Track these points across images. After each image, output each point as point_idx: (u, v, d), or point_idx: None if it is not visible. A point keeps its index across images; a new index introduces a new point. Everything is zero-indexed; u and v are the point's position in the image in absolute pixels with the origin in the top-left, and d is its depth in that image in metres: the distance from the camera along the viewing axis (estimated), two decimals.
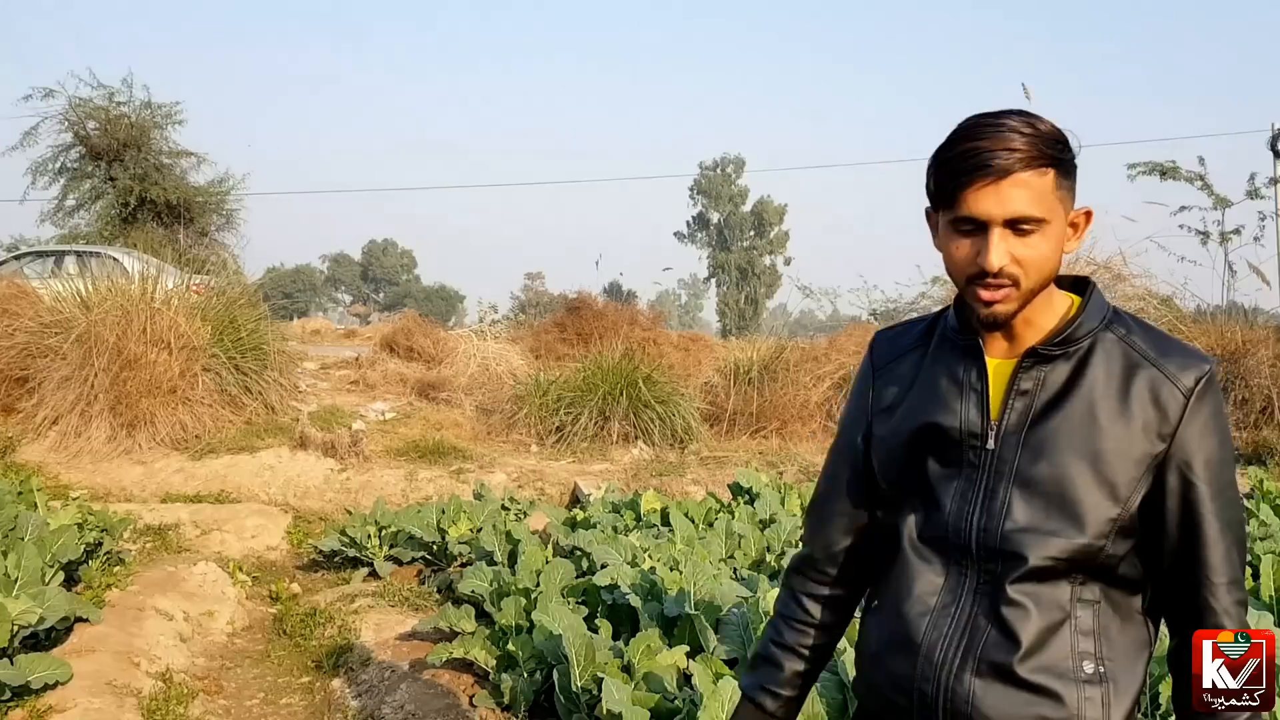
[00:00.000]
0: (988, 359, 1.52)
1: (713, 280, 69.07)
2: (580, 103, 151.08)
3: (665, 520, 6.57)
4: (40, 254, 15.57)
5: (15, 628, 4.08)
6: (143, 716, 4.16)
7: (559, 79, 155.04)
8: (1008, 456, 1.47)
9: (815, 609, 1.75)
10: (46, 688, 4.08)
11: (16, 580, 4.59)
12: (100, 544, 6.23)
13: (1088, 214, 1.48)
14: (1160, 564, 1.48)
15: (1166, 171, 19.17)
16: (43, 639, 4.60)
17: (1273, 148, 20.85)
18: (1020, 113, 1.41)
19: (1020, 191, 1.38)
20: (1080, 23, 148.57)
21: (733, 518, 6.53)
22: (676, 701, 3.64)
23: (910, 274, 29.33)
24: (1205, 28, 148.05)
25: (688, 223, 68.74)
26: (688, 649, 4.05)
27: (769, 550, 5.81)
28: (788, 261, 66.62)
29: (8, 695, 3.90)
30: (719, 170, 67.80)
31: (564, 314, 16.48)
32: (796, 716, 1.77)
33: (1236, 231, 19.09)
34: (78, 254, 13.85)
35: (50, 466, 8.86)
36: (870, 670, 1.61)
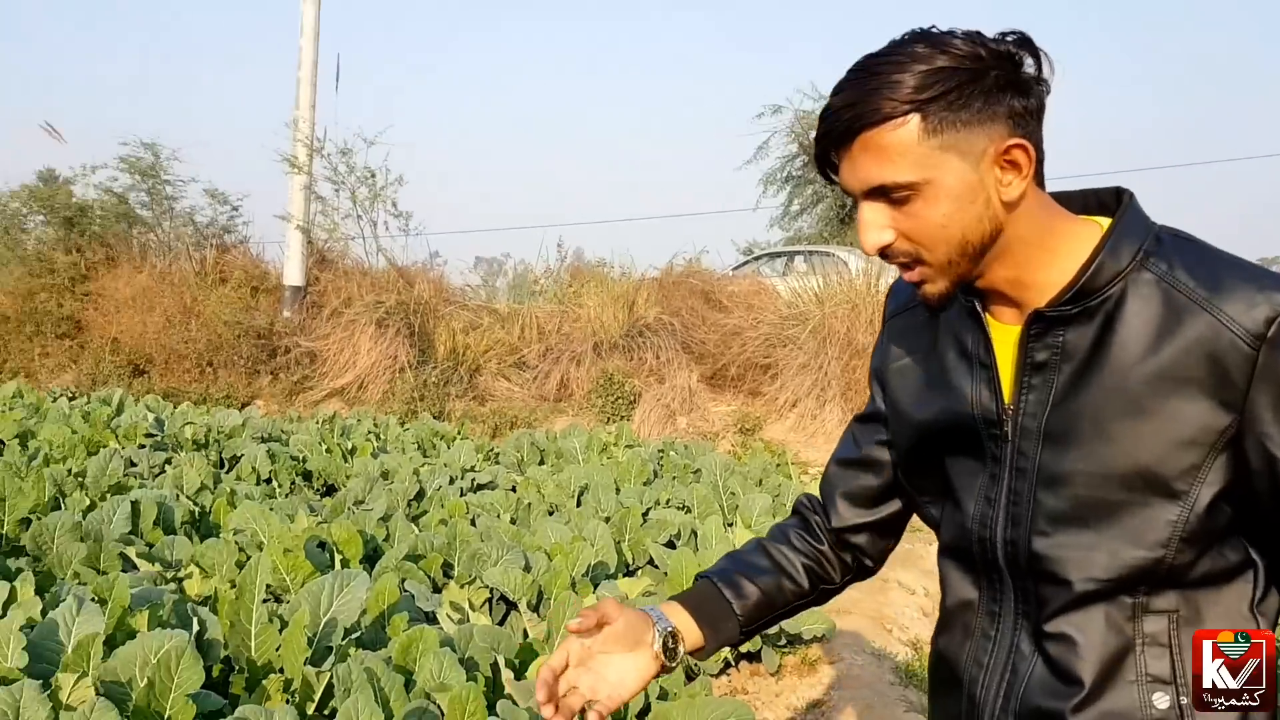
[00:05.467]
0: (997, 324, 1.22)
1: None
2: None
3: None
4: (773, 255, 16.26)
5: None
6: (898, 677, 4.23)
7: None
8: (1028, 450, 1.18)
9: (807, 553, 1.48)
10: (815, 639, 4.48)
11: None
12: None
13: (1021, 146, 1.10)
14: (1267, 550, 1.16)
15: None
16: None
17: None
18: (914, 40, 1.10)
19: (868, 156, 1.11)
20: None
21: None
22: None
23: None
24: None
25: None
26: None
27: None
28: None
29: (784, 642, 4.37)
30: None
31: None
32: (738, 639, 1.45)
33: None
34: (806, 254, 14.37)
35: (791, 444, 9.67)
36: (931, 704, 1.39)
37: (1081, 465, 1.12)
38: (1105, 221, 1.17)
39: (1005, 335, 1.20)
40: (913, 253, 1.14)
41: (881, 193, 1.12)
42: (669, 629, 1.36)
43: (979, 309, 1.22)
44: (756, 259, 16.16)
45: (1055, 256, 1.15)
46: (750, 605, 1.42)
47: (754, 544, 1.51)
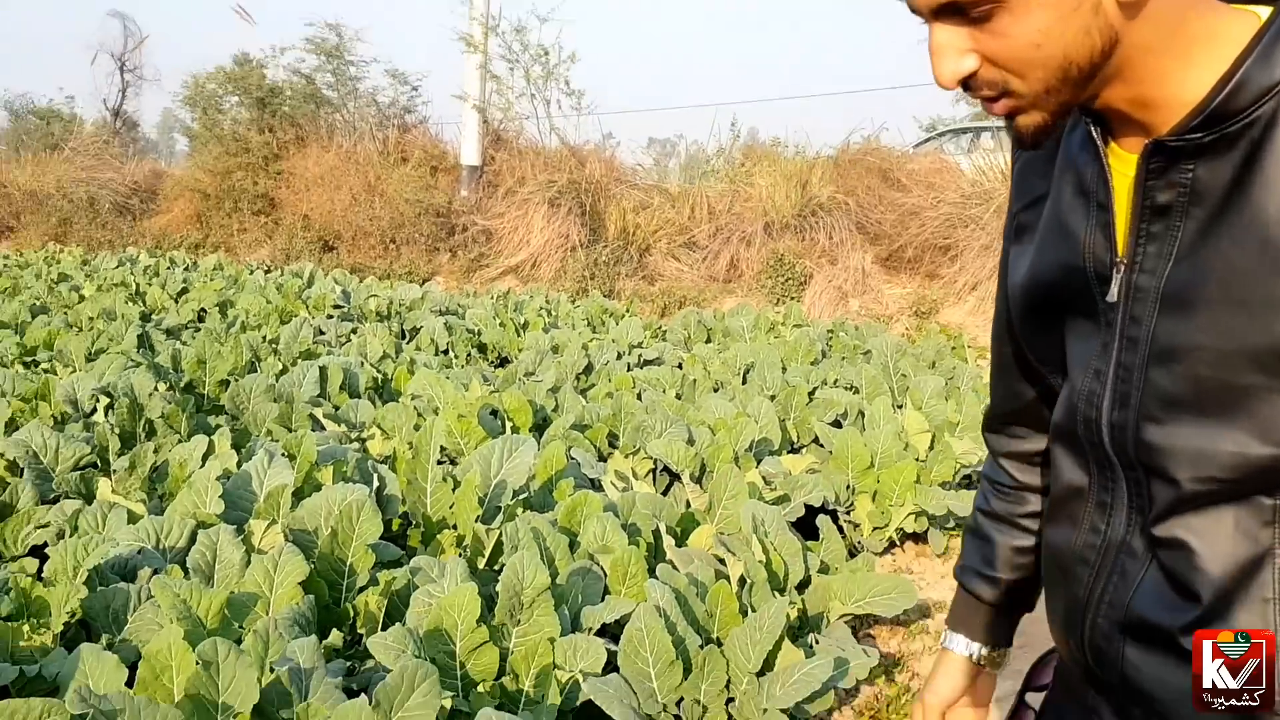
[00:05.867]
0: (1120, 153, 0.95)
1: None
2: None
3: None
4: (957, 131, 15.67)
5: (959, 465, 4.50)
6: None
7: None
8: (1141, 315, 0.93)
9: (1018, 470, 1.28)
10: None
11: (957, 424, 5.07)
12: None
13: None
14: None
15: None
16: None
17: None
18: None
19: None
20: None
21: None
22: None
23: None
24: None
25: None
26: None
27: None
28: None
29: (951, 524, 4.35)
30: None
31: None
32: (1030, 601, 1.33)
33: None
34: (994, 129, 13.26)
35: (969, 328, 9.36)
36: (1046, 600, 1.17)
37: (1205, 338, 0.87)
38: (1266, 13, 0.86)
39: (1128, 167, 0.92)
40: (1000, 82, 0.88)
41: (955, 10, 0.85)
42: (979, 651, 1.33)
43: (1095, 135, 0.95)
44: (940, 135, 15.47)
45: (1190, 65, 0.86)
46: (1000, 595, 1.31)
47: (975, 524, 1.35)
